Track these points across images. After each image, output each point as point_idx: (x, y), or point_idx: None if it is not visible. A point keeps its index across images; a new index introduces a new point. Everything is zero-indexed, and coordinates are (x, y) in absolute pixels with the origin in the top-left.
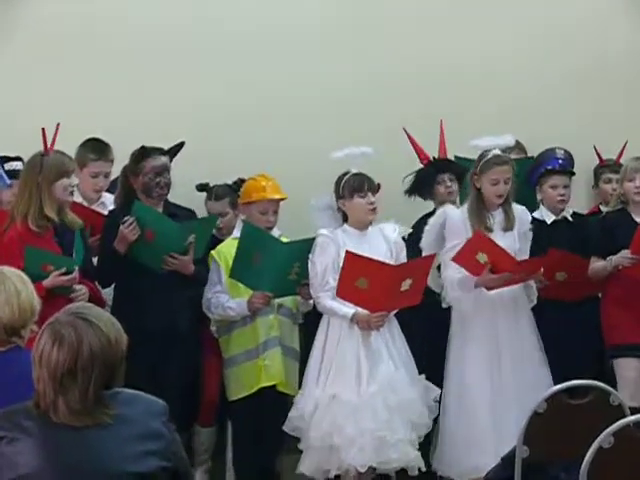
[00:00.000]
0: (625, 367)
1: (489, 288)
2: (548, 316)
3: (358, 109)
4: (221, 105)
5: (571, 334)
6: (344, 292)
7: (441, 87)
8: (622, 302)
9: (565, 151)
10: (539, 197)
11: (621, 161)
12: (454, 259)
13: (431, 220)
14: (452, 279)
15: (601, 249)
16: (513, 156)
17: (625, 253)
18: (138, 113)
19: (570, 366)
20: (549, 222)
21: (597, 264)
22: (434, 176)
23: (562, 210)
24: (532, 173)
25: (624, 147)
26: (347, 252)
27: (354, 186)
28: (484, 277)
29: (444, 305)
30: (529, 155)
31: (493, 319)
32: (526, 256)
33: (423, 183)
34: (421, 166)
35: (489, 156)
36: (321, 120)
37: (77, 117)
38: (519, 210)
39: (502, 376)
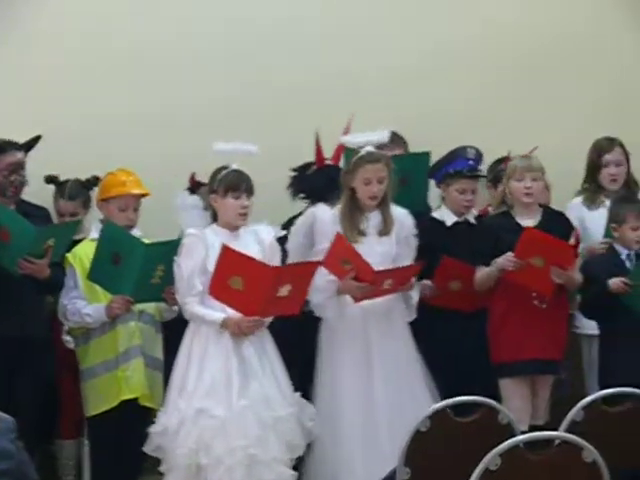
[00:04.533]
0: (508, 388)
1: (357, 299)
2: (440, 327)
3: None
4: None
5: (465, 346)
6: (217, 290)
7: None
8: (507, 316)
9: (477, 151)
10: (441, 196)
11: None
12: (323, 263)
13: (299, 220)
14: (317, 284)
15: (485, 255)
16: (397, 152)
17: (509, 255)
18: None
19: (464, 381)
20: (449, 224)
21: (481, 271)
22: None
23: (455, 212)
24: (437, 170)
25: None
26: (223, 246)
27: (230, 184)
28: (345, 284)
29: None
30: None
31: (364, 332)
32: (407, 263)
33: (316, 189)
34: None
35: (361, 153)
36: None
37: None
38: (400, 213)
39: (374, 394)
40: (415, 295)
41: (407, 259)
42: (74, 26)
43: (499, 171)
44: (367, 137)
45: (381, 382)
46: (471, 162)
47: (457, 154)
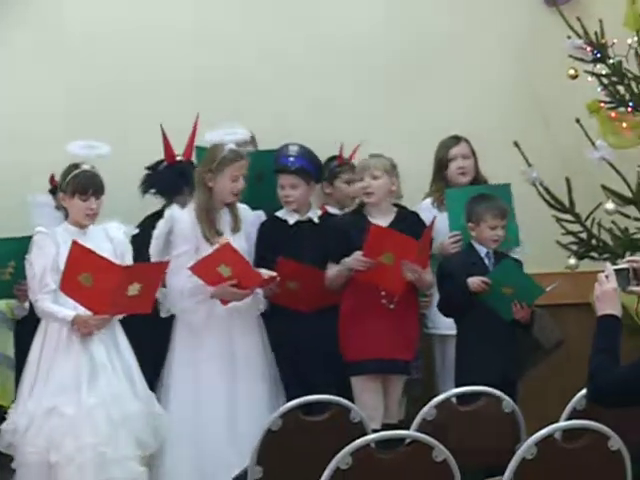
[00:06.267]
0: (359, 386)
1: (225, 302)
2: (290, 326)
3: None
4: None
5: (315, 344)
6: (67, 287)
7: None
8: (355, 314)
9: (300, 147)
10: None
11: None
12: (192, 268)
13: (160, 224)
14: (182, 288)
15: (337, 254)
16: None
17: (358, 255)
18: None
19: (316, 379)
20: (291, 222)
21: (332, 270)
22: (182, 179)
23: (300, 210)
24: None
25: (357, 146)
26: (73, 242)
27: (78, 186)
28: (224, 289)
29: (163, 315)
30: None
31: (229, 332)
32: (249, 257)
33: (167, 185)
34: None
35: (225, 152)
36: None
37: None
38: (241, 209)
39: (237, 389)
40: (260, 290)
41: (250, 254)
42: None
43: (333, 168)
44: (231, 135)
45: (245, 385)
46: (291, 159)
47: (279, 152)
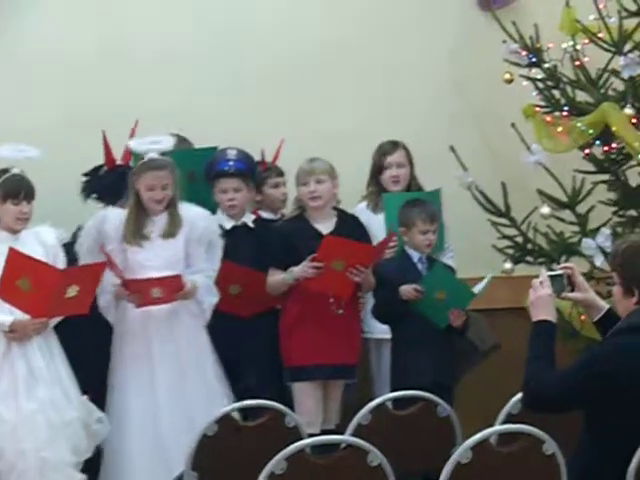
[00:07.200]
0: (301, 392)
1: (136, 305)
2: (221, 330)
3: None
4: None
5: (250, 349)
6: (5, 292)
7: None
8: (301, 320)
9: (239, 151)
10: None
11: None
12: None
13: (89, 222)
14: (104, 286)
15: (281, 261)
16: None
17: (307, 263)
18: None
19: (252, 384)
20: (228, 228)
21: (275, 277)
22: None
23: (236, 215)
24: (206, 174)
25: (279, 148)
26: (10, 249)
27: (9, 190)
28: (117, 290)
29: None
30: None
31: (146, 335)
32: (202, 263)
33: (109, 190)
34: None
35: (144, 160)
36: None
37: None
38: (192, 214)
39: (157, 397)
40: (209, 299)
41: (200, 259)
42: None
43: (259, 174)
44: (153, 144)
45: (163, 385)
46: (230, 162)
47: (218, 156)
